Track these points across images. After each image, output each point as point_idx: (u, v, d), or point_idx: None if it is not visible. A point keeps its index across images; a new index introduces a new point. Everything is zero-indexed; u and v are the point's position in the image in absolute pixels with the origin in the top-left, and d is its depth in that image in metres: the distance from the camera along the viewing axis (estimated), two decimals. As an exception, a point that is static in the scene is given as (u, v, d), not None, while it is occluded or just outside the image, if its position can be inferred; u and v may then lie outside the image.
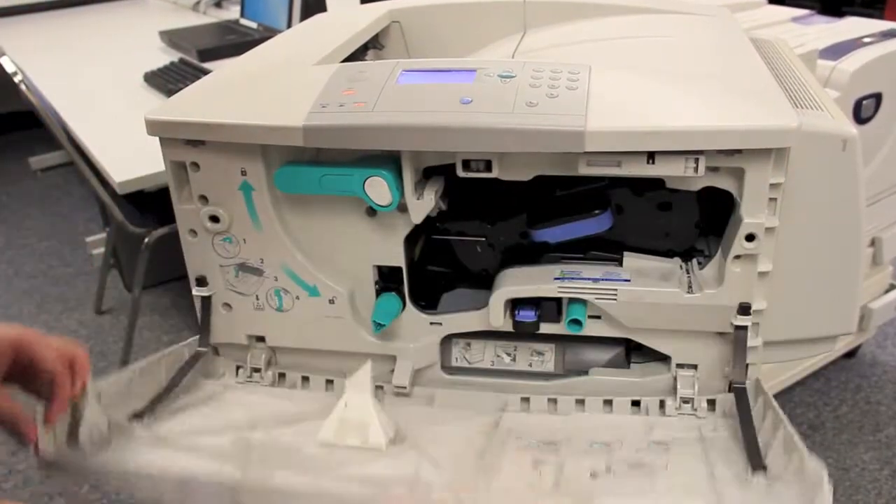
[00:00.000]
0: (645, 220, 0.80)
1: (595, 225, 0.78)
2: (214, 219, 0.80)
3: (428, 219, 0.77)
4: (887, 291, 1.82)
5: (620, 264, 0.80)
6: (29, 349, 0.64)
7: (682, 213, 0.79)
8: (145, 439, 0.73)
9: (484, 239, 0.82)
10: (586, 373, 0.83)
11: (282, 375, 0.88)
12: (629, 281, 0.77)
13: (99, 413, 0.72)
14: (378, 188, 0.73)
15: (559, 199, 0.78)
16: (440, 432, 0.75)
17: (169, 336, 2.23)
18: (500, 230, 0.81)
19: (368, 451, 0.72)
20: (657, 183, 0.73)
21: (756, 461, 0.66)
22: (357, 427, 0.73)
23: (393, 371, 0.84)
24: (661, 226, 0.80)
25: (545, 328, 0.80)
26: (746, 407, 0.72)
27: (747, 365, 0.77)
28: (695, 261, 0.80)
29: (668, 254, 0.81)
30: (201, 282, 0.84)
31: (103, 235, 2.48)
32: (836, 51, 1.46)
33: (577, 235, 0.79)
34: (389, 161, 0.74)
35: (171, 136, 0.77)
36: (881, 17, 3.22)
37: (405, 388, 0.83)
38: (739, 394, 0.74)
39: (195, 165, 0.78)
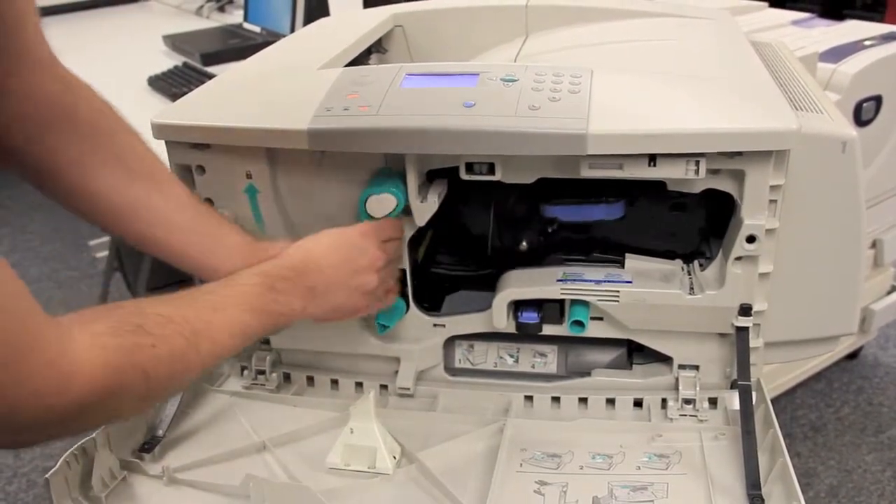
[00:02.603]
0: (655, 216, 0.80)
1: (606, 211, 0.78)
2: (220, 221, 0.81)
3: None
4: (889, 293, 1.82)
5: (622, 266, 0.80)
6: None
7: (691, 215, 0.80)
8: (158, 480, 0.75)
9: (494, 208, 0.82)
10: (589, 374, 0.84)
11: (287, 376, 0.89)
12: (631, 283, 0.78)
13: (109, 455, 0.73)
14: (380, 204, 0.74)
15: (576, 180, 0.76)
16: (445, 450, 0.76)
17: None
18: (513, 203, 0.82)
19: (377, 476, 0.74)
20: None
21: (755, 496, 0.67)
22: (364, 452, 0.75)
23: (397, 372, 0.85)
24: (670, 225, 0.81)
25: (548, 330, 0.81)
26: (749, 410, 0.73)
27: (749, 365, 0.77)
28: (696, 262, 0.80)
29: (668, 255, 0.81)
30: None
31: (107, 239, 2.48)
32: (837, 54, 1.47)
33: (587, 218, 0.80)
34: (393, 176, 0.75)
35: (176, 139, 0.78)
36: (882, 20, 3.23)
37: (409, 389, 0.84)
38: (742, 395, 0.74)
39: (200, 168, 0.79)
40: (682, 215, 0.80)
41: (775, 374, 1.69)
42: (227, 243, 0.72)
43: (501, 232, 0.83)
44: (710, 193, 0.74)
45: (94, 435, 0.73)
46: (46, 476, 0.69)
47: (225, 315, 0.62)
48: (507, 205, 0.82)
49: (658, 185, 0.75)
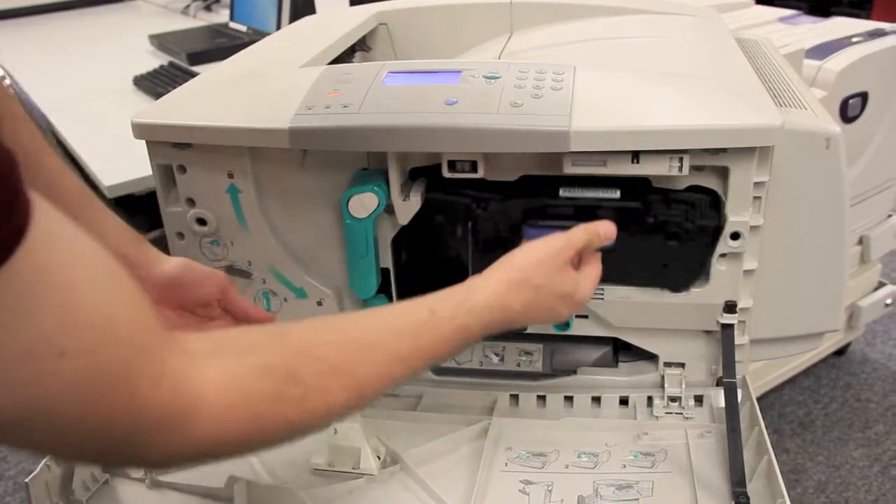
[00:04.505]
0: (648, 246, 0.74)
1: None
2: (201, 221, 0.80)
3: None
4: (876, 289, 1.82)
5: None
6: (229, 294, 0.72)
7: (686, 246, 0.74)
8: (140, 483, 0.74)
9: (476, 204, 0.76)
10: (574, 372, 0.83)
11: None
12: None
13: None
14: (363, 203, 0.74)
15: (562, 201, 0.74)
16: (430, 450, 0.76)
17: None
18: (492, 227, 0.76)
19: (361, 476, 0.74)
20: (668, 211, 0.72)
21: (740, 493, 0.66)
22: (348, 453, 0.74)
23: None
24: (663, 256, 0.75)
25: (533, 328, 0.81)
26: (734, 408, 0.73)
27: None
28: None
29: (656, 284, 0.77)
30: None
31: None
32: (823, 50, 1.47)
33: None
34: (375, 175, 0.75)
35: (157, 139, 0.77)
36: (868, 17, 3.24)
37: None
38: (727, 393, 0.74)
39: (182, 168, 0.78)
40: (678, 246, 0.74)
41: (763, 371, 1.70)
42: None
43: (480, 258, 0.77)
44: (711, 228, 0.72)
45: None
46: (26, 480, 0.69)
47: (404, 366, 0.54)
48: (486, 228, 0.77)
49: (654, 216, 0.73)
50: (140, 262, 0.68)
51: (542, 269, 0.62)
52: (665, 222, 0.73)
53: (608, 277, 0.72)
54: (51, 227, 0.35)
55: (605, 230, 0.67)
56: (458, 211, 0.76)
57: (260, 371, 0.45)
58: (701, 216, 0.72)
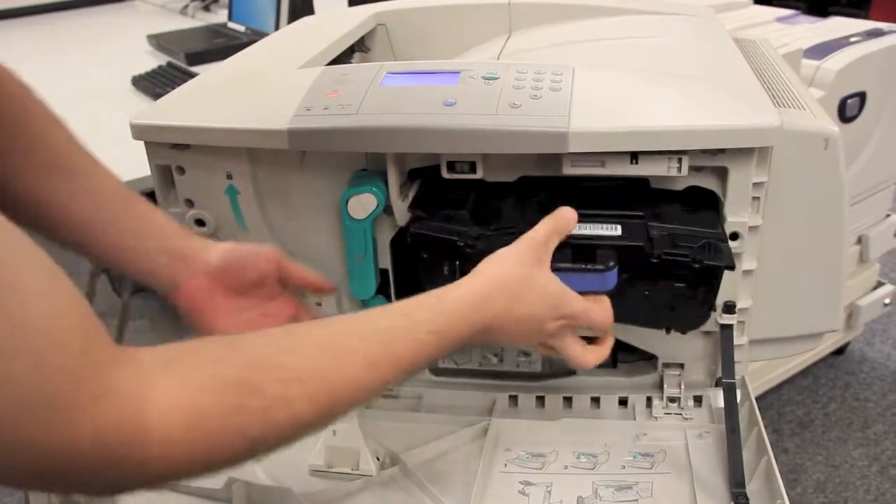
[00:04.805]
0: (654, 289, 0.69)
1: (596, 282, 0.66)
2: (200, 222, 0.80)
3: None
4: (875, 288, 1.83)
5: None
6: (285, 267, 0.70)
7: (696, 291, 0.68)
8: None
9: (465, 242, 0.69)
10: (573, 373, 0.83)
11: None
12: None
13: None
14: (361, 204, 0.74)
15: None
16: (429, 450, 0.76)
17: (159, 341, 2.22)
18: (489, 239, 0.70)
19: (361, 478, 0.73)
20: (677, 257, 0.66)
21: (739, 494, 0.66)
22: (347, 454, 0.74)
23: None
24: (671, 302, 0.69)
25: None
26: (733, 408, 0.73)
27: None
28: None
29: (662, 326, 0.74)
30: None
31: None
32: (821, 50, 1.47)
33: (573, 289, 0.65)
34: (373, 176, 0.75)
35: (155, 139, 0.77)
36: (866, 16, 3.24)
37: (392, 389, 0.83)
38: (726, 393, 0.74)
39: (180, 169, 0.78)
40: (685, 290, 0.68)
41: (762, 371, 1.70)
42: (149, 245, 0.65)
43: None
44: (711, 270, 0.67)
45: None
46: None
47: (377, 374, 0.50)
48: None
49: (658, 256, 0.67)
50: (190, 254, 0.67)
51: (518, 268, 0.60)
52: (671, 262, 0.67)
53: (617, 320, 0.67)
54: None
55: (567, 213, 0.66)
56: (445, 249, 0.70)
57: (215, 383, 0.42)
58: (710, 255, 0.67)
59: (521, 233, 0.65)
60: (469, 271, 0.65)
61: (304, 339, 0.49)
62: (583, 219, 0.68)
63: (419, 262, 0.72)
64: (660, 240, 0.68)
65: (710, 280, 0.68)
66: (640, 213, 0.70)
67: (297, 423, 0.45)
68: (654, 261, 0.67)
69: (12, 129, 0.60)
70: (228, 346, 0.46)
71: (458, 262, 0.70)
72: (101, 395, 0.36)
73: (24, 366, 0.33)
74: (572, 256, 0.66)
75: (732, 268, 0.67)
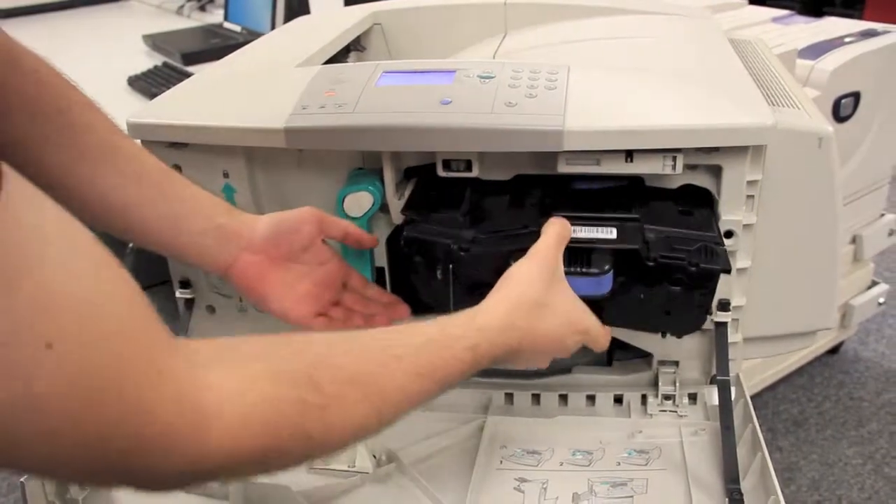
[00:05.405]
0: (649, 294, 0.68)
1: (591, 285, 0.66)
2: (197, 221, 0.80)
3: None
4: (869, 288, 1.83)
5: None
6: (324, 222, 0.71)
7: (691, 295, 0.68)
8: None
9: (459, 245, 0.68)
10: (569, 371, 0.84)
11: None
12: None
13: None
14: (358, 202, 0.74)
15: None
16: (425, 448, 0.76)
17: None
18: (484, 242, 0.69)
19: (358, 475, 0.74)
20: (674, 266, 0.66)
21: (734, 490, 0.67)
22: (344, 451, 0.74)
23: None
24: (666, 305, 0.69)
25: None
26: (728, 406, 0.73)
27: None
28: None
29: (659, 330, 0.74)
30: (185, 284, 0.85)
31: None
32: (816, 50, 1.48)
33: None
34: (369, 175, 0.75)
35: (153, 138, 0.77)
36: (860, 17, 3.25)
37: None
38: (721, 391, 0.74)
39: (177, 168, 0.78)
40: (681, 293, 0.67)
41: (757, 369, 1.70)
42: (194, 224, 0.66)
43: (461, 299, 0.70)
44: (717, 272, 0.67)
45: None
46: (22, 479, 0.69)
47: (422, 384, 0.50)
48: (468, 272, 0.69)
49: (654, 259, 0.66)
50: (239, 230, 0.67)
51: (537, 286, 0.61)
52: (667, 266, 0.66)
53: (606, 322, 0.68)
54: (26, 196, 0.32)
55: (563, 220, 0.66)
56: (439, 253, 0.69)
57: (274, 376, 0.41)
58: (706, 258, 0.66)
59: (516, 235, 0.66)
60: (462, 276, 0.66)
61: (354, 343, 0.49)
62: (578, 222, 0.67)
63: (412, 267, 0.71)
64: (655, 243, 0.67)
65: (706, 283, 0.67)
66: (636, 217, 0.69)
67: (350, 424, 0.45)
68: (650, 264, 0.66)
69: (57, 118, 0.60)
70: (280, 343, 0.45)
71: (451, 266, 0.69)
72: (159, 382, 0.35)
73: (76, 342, 0.32)
74: (567, 260, 0.66)
75: (729, 271, 0.67)
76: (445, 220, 0.71)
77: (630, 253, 0.66)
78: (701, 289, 0.67)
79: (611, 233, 0.68)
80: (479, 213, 0.72)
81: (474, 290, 0.65)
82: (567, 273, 0.64)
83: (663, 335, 0.74)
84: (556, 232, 0.65)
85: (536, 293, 0.60)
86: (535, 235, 0.65)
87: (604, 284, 0.66)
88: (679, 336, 0.75)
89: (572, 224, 0.67)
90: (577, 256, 0.66)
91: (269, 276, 0.68)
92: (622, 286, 0.68)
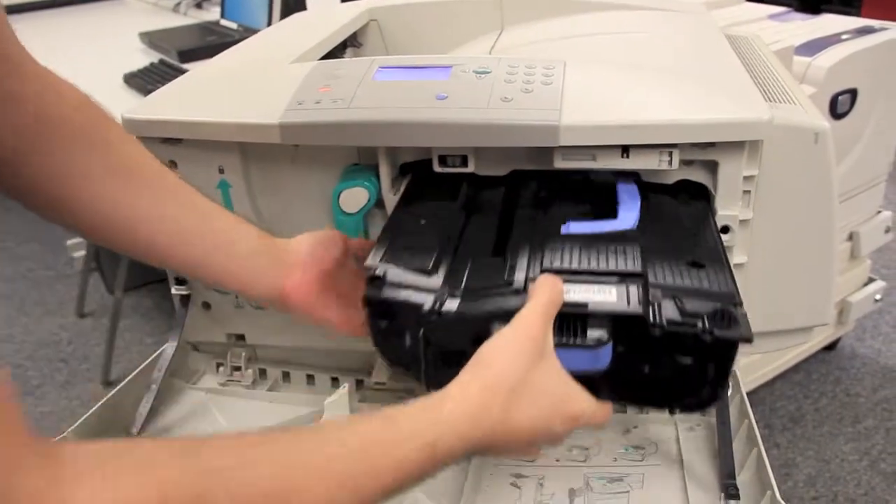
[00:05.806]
0: (655, 368, 0.58)
1: (586, 360, 0.56)
2: (192, 217, 0.80)
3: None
4: (866, 285, 1.84)
5: None
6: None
7: (711, 370, 0.57)
8: None
9: (431, 307, 0.58)
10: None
11: (262, 372, 0.88)
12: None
13: None
14: (353, 198, 0.74)
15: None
16: None
17: (152, 338, 2.22)
18: (462, 302, 0.59)
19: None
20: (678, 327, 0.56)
21: (729, 485, 0.67)
22: None
23: (373, 369, 0.84)
24: (675, 379, 0.58)
25: None
26: (724, 401, 0.73)
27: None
28: None
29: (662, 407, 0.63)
30: (181, 280, 0.84)
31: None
32: (813, 47, 1.48)
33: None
34: (365, 171, 0.75)
35: (148, 134, 0.77)
36: (858, 13, 3.25)
37: (384, 383, 0.83)
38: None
39: (173, 164, 0.78)
40: (694, 366, 0.57)
41: (754, 366, 1.71)
42: (241, 250, 0.66)
43: (436, 370, 0.61)
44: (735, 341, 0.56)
45: (65, 434, 0.72)
46: None
47: (352, 494, 0.43)
48: (442, 338, 0.59)
49: (660, 327, 0.55)
50: (286, 248, 0.67)
51: (515, 364, 0.51)
52: (676, 335, 0.55)
53: (600, 398, 0.57)
54: None
55: (555, 280, 0.57)
56: (408, 315, 0.59)
57: (157, 490, 0.35)
58: (724, 324, 0.55)
59: (500, 294, 0.58)
60: (435, 342, 0.58)
61: (271, 449, 0.42)
62: (572, 279, 0.58)
63: (377, 332, 0.62)
64: (663, 304, 0.56)
65: (723, 355, 0.56)
66: (640, 272, 0.59)
67: None
68: (657, 333, 0.55)
69: (84, 139, 0.60)
70: (178, 448, 0.40)
71: (422, 331, 0.59)
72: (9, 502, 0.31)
73: None
74: (558, 327, 0.56)
75: (751, 340, 0.54)
76: (416, 266, 0.61)
77: (632, 319, 0.55)
78: (717, 360, 0.56)
79: (610, 293, 0.57)
80: (454, 270, 0.62)
81: (451, 359, 0.56)
82: (557, 346, 0.55)
83: (671, 412, 0.63)
84: (546, 298, 0.55)
85: (517, 373, 0.51)
86: (522, 294, 0.57)
87: (602, 358, 0.56)
88: (691, 412, 0.69)
89: (565, 282, 0.57)
90: (569, 322, 0.56)
91: (321, 294, 0.67)
92: (622, 358, 0.57)
